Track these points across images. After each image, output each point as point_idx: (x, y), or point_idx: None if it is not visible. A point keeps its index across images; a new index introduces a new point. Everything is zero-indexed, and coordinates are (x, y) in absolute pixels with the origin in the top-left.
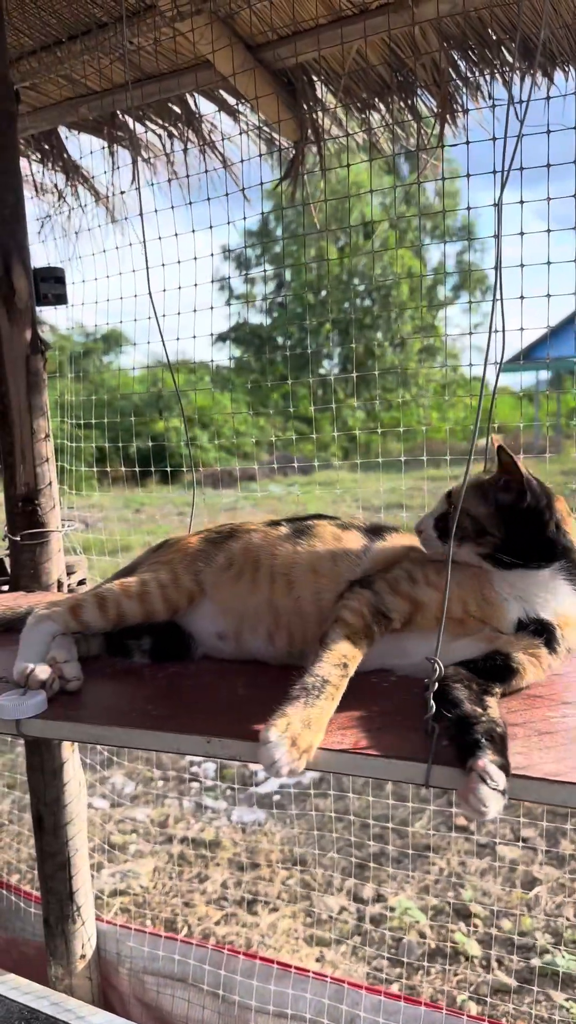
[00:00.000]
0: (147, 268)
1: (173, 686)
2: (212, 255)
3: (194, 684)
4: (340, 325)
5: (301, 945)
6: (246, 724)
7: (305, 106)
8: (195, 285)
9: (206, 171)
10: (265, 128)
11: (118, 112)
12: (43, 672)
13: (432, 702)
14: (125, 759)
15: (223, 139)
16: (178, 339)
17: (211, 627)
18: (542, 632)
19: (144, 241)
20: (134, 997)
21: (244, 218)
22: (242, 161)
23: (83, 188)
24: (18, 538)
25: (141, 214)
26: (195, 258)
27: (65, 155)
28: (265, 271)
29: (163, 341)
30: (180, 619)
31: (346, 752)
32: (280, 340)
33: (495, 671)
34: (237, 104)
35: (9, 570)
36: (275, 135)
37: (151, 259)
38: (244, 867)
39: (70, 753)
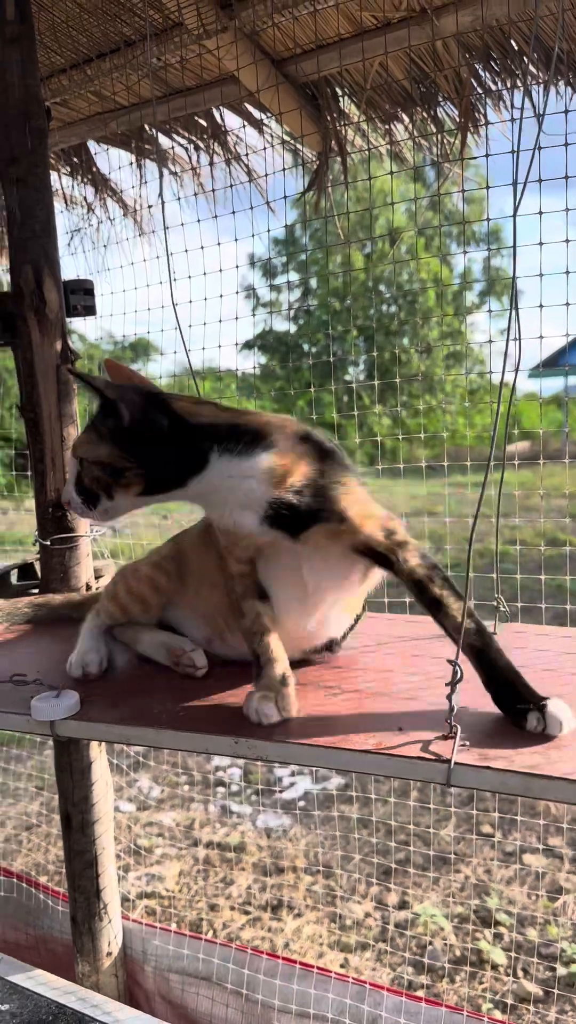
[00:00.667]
0: (171, 280)
1: (203, 687)
2: (238, 267)
3: (222, 685)
4: (366, 332)
5: (326, 950)
6: (273, 725)
7: (329, 118)
8: (220, 296)
9: (232, 185)
10: (289, 140)
11: (145, 126)
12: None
13: (454, 703)
14: (152, 761)
15: (248, 153)
16: (204, 348)
17: (197, 633)
18: (289, 514)
19: (168, 254)
20: (159, 994)
21: (269, 230)
22: (267, 175)
23: (111, 201)
24: (48, 542)
25: (165, 228)
26: (220, 270)
27: (94, 168)
28: (289, 282)
29: (187, 351)
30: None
31: (369, 753)
32: (306, 347)
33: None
34: (263, 118)
35: (39, 573)
36: (299, 147)
37: (178, 270)
38: (269, 872)
39: (98, 753)
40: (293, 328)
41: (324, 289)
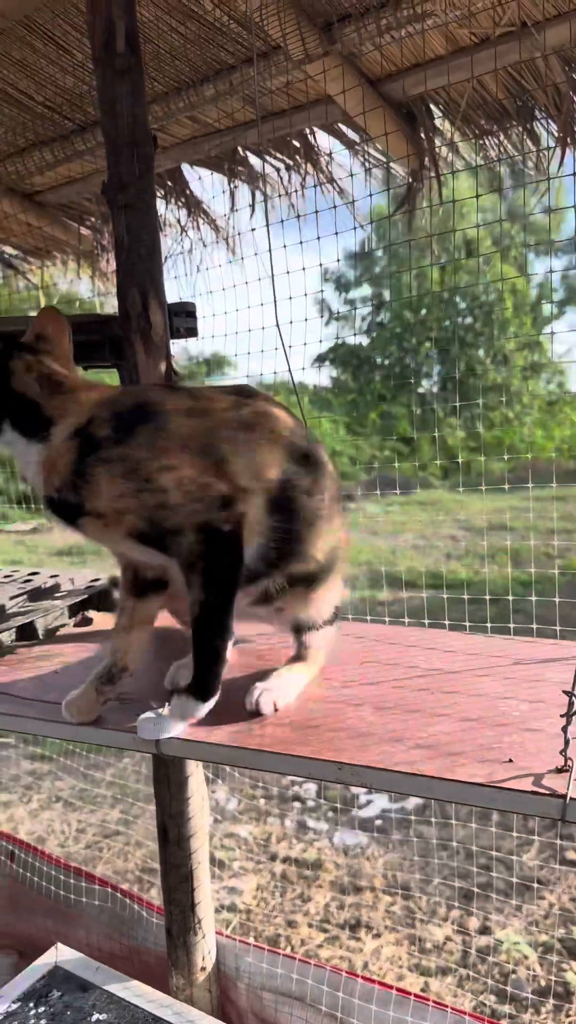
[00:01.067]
0: (275, 301)
1: (301, 709)
2: (324, 285)
3: (322, 708)
4: (440, 343)
5: (405, 973)
6: (375, 751)
7: (423, 135)
8: (312, 320)
9: (334, 207)
10: (381, 157)
11: (239, 148)
12: None
13: (569, 736)
14: (229, 771)
15: (352, 176)
16: (303, 368)
17: None
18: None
19: (272, 275)
20: (251, 1012)
21: (368, 251)
22: (370, 197)
23: (203, 223)
24: None
25: (270, 250)
26: (321, 293)
27: (187, 191)
28: (378, 302)
29: (291, 372)
30: None
31: (480, 785)
32: (378, 359)
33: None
34: (362, 143)
35: None
36: (391, 165)
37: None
38: (347, 890)
39: (195, 767)
40: (366, 341)
41: (398, 301)
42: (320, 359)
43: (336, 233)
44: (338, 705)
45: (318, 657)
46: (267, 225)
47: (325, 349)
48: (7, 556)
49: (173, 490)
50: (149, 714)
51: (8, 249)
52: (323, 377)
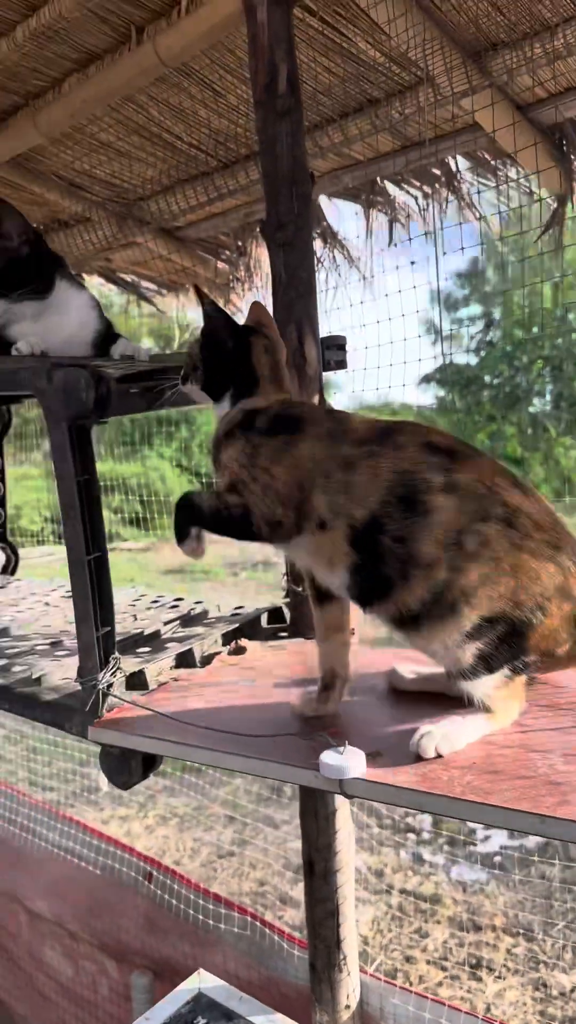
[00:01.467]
0: (440, 333)
1: (486, 756)
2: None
3: (507, 756)
4: (553, 361)
5: (531, 1019)
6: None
7: (573, 158)
8: (415, 339)
9: (481, 243)
10: (525, 183)
11: (377, 178)
12: None
13: None
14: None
15: (500, 212)
16: (390, 387)
17: None
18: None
19: (439, 303)
20: None
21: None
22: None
23: (339, 253)
24: (300, 588)
25: (438, 280)
26: (445, 331)
27: (324, 223)
28: (488, 321)
29: (453, 399)
30: None
31: None
32: (487, 379)
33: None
34: (508, 170)
35: (288, 619)
36: (535, 189)
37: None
38: (466, 927)
39: (343, 801)
40: (474, 360)
41: (508, 320)
42: (426, 379)
43: (514, 264)
44: (522, 751)
45: (506, 708)
46: (436, 261)
47: (430, 368)
48: (121, 574)
49: (257, 491)
50: (332, 752)
51: (147, 284)
52: (428, 397)
